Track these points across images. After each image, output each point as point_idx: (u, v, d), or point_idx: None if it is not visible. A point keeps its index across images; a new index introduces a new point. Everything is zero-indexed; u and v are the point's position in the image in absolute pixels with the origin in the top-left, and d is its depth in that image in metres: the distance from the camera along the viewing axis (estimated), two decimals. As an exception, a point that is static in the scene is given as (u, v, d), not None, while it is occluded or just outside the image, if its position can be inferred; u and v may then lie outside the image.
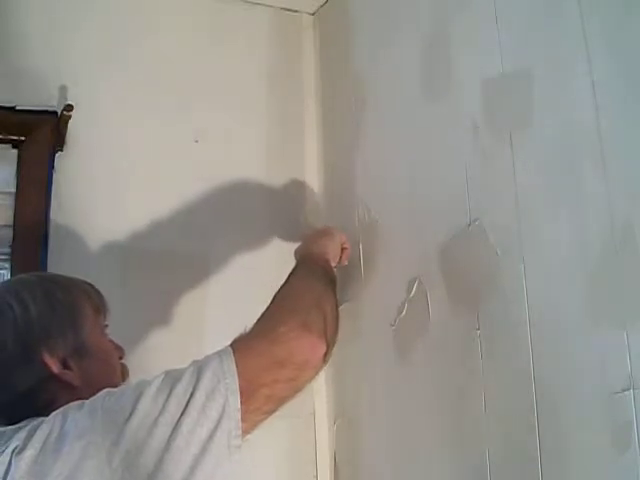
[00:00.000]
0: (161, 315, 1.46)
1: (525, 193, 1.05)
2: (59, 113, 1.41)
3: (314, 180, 1.67)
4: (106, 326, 1.05)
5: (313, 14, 1.76)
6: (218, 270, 1.53)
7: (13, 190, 1.41)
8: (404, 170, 1.35)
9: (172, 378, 0.85)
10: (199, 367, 0.86)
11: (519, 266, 1.04)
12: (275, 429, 1.49)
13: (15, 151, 1.44)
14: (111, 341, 1.05)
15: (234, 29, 1.66)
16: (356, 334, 1.46)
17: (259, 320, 0.99)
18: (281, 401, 0.91)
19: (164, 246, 1.49)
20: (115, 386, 0.98)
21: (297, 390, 0.94)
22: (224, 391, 0.84)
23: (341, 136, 1.59)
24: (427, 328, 1.24)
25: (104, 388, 0.89)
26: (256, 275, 1.55)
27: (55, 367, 0.93)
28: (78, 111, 1.40)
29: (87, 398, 0.88)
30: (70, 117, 1.39)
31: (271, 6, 1.71)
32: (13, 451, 0.79)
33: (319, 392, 1.56)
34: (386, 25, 1.44)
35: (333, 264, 1.29)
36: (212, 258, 1.53)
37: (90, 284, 1.05)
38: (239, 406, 0.84)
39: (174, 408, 0.81)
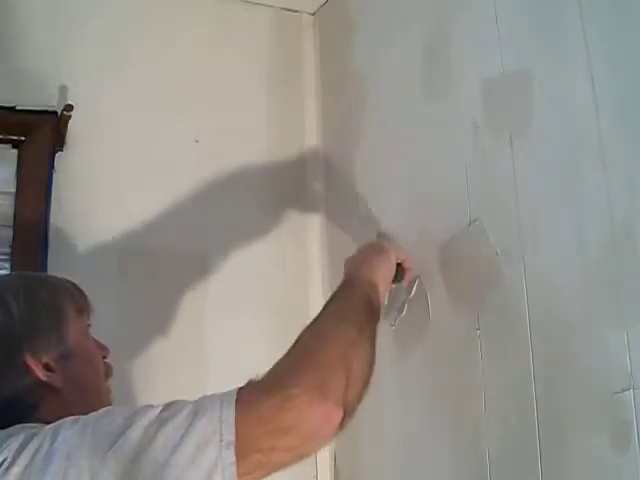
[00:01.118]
0: (160, 315, 1.45)
1: (525, 193, 1.05)
2: (59, 113, 1.41)
3: (315, 180, 1.67)
4: (89, 326, 1.03)
5: (313, 14, 1.76)
6: (218, 270, 1.53)
7: (13, 190, 1.41)
8: (404, 170, 1.35)
9: (168, 413, 0.78)
10: (197, 409, 0.78)
11: (519, 266, 1.04)
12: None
13: (15, 151, 1.44)
14: (95, 341, 1.03)
15: (234, 29, 1.66)
16: (356, 334, 1.46)
17: (276, 367, 0.86)
18: (276, 469, 0.81)
19: (164, 246, 1.48)
20: (100, 386, 0.99)
21: (299, 459, 0.84)
22: (218, 443, 0.76)
23: (341, 136, 1.59)
24: (427, 328, 1.24)
25: (89, 389, 0.89)
26: (256, 275, 1.56)
27: (38, 370, 0.91)
28: (78, 111, 1.40)
29: (72, 400, 0.88)
30: (70, 117, 1.39)
31: (271, 6, 1.71)
32: (2, 464, 0.77)
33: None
34: (386, 25, 1.44)
35: (383, 288, 1.13)
36: (212, 258, 1.53)
37: (73, 283, 1.03)
38: (234, 460, 0.75)
39: (161, 449, 0.75)
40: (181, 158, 1.54)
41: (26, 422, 0.86)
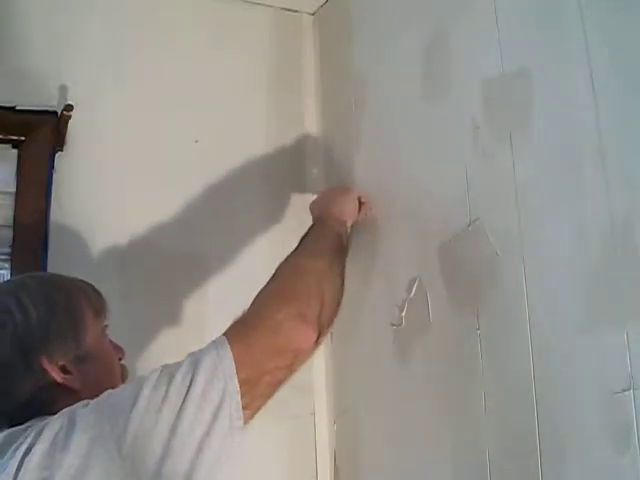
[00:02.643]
0: (161, 314, 1.46)
1: (525, 193, 1.05)
2: (59, 113, 1.41)
3: (315, 180, 1.67)
4: (106, 326, 1.05)
5: (313, 14, 1.76)
6: (218, 270, 1.53)
7: (13, 190, 1.41)
8: (404, 170, 1.35)
9: (170, 369, 0.87)
10: (196, 357, 0.88)
11: (519, 266, 1.04)
12: (275, 429, 1.50)
13: (15, 151, 1.44)
14: (111, 342, 1.05)
15: (234, 29, 1.66)
16: (356, 334, 1.46)
17: (257, 301, 1.02)
18: (279, 385, 0.95)
19: (164, 246, 1.48)
20: (115, 387, 1.00)
21: (293, 373, 0.98)
22: (222, 375, 0.86)
23: (341, 136, 1.59)
24: (427, 328, 1.24)
25: (105, 390, 0.89)
26: (256, 275, 1.55)
27: (55, 373, 0.93)
28: (78, 111, 1.40)
29: (86, 399, 0.88)
30: (70, 117, 1.39)
31: (271, 6, 1.71)
32: (24, 453, 0.80)
33: (319, 392, 1.56)
34: (386, 25, 1.44)
35: (350, 223, 1.32)
36: (212, 258, 1.53)
37: (90, 284, 1.05)
38: (238, 388, 0.87)
39: (175, 396, 0.83)
40: (181, 158, 1.54)
41: (44, 417, 0.88)
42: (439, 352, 1.21)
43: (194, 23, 1.62)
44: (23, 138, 1.43)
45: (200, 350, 0.90)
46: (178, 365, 0.88)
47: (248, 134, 1.62)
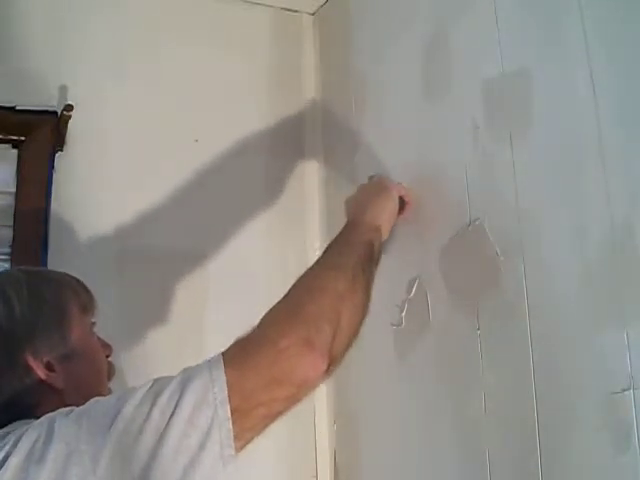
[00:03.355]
0: (160, 314, 1.45)
1: (525, 193, 1.05)
2: (59, 113, 1.41)
3: (315, 179, 1.67)
4: (93, 324, 1.02)
5: (313, 14, 1.76)
6: (218, 269, 1.53)
7: (13, 190, 1.41)
8: (404, 170, 1.35)
9: (158, 386, 0.81)
10: (187, 376, 0.81)
11: (519, 266, 1.04)
12: (275, 429, 1.50)
13: (15, 151, 1.44)
14: (99, 339, 1.02)
15: (234, 29, 1.66)
16: (356, 334, 1.46)
17: (263, 321, 0.91)
18: (277, 417, 0.86)
19: (164, 246, 1.49)
20: (102, 386, 0.98)
21: (294, 405, 0.88)
22: (212, 401, 0.79)
23: (341, 136, 1.59)
24: (427, 328, 1.24)
25: (90, 389, 0.88)
26: (256, 275, 1.56)
27: (39, 370, 0.90)
28: (78, 111, 1.40)
29: (73, 400, 0.87)
30: (70, 117, 1.39)
31: (271, 6, 1.71)
32: (4, 460, 0.77)
33: (319, 392, 1.56)
34: (386, 25, 1.44)
35: (388, 226, 1.18)
36: (212, 258, 1.53)
37: (78, 280, 1.02)
38: (229, 415, 0.79)
39: (159, 417, 0.77)
40: (181, 158, 1.54)
41: (26, 420, 0.85)
42: (439, 352, 1.21)
43: (194, 23, 1.62)
44: (23, 138, 1.43)
45: (193, 368, 0.83)
46: (167, 383, 0.81)
47: (248, 134, 1.62)
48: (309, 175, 1.67)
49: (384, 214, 1.17)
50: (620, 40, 0.91)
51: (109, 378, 1.01)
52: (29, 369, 0.90)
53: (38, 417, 0.84)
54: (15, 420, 0.86)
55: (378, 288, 1.39)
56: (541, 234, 1.01)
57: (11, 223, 1.39)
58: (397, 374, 1.31)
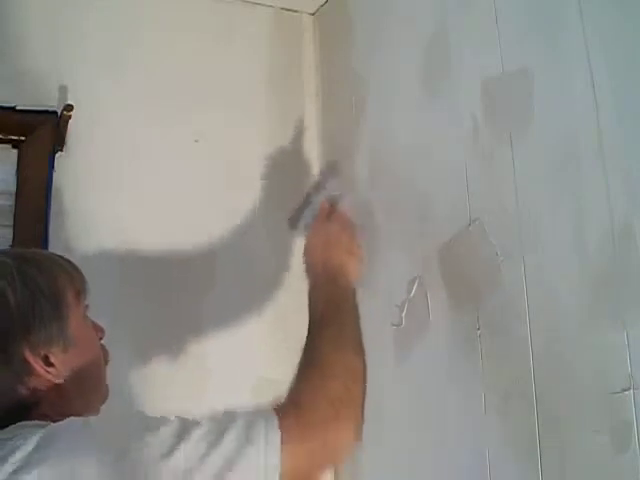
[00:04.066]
0: (160, 315, 1.45)
1: (525, 193, 1.05)
2: (59, 113, 1.41)
3: (315, 179, 1.67)
4: (87, 307, 0.98)
5: (313, 14, 1.76)
6: (219, 269, 1.53)
7: (13, 190, 1.41)
8: (404, 170, 1.35)
9: (219, 426, 0.80)
10: (247, 426, 0.81)
11: (519, 266, 1.04)
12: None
13: (15, 151, 1.44)
14: (92, 323, 0.98)
15: (234, 29, 1.66)
16: (356, 334, 1.46)
17: (307, 399, 0.89)
18: None
19: (164, 246, 1.48)
20: (100, 374, 0.95)
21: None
22: (263, 467, 0.79)
23: (341, 136, 1.59)
24: (427, 328, 1.24)
25: (90, 380, 0.88)
26: (257, 278, 1.55)
27: (38, 366, 0.86)
28: (78, 111, 1.40)
29: (72, 392, 0.86)
30: (70, 117, 1.40)
31: (271, 6, 1.71)
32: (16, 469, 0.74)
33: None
34: (386, 25, 1.44)
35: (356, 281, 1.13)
36: (213, 258, 1.53)
37: (69, 261, 0.97)
38: (279, 469, 0.79)
39: (218, 459, 0.77)
40: (181, 158, 1.54)
41: (28, 419, 0.84)
42: (439, 352, 1.21)
43: (194, 23, 1.62)
44: (23, 138, 1.43)
45: (250, 418, 0.82)
46: (225, 426, 0.80)
47: (248, 134, 1.62)
48: (310, 175, 1.67)
49: (352, 270, 1.12)
50: (620, 40, 0.91)
51: (105, 363, 0.98)
52: (28, 365, 0.86)
53: (39, 415, 0.84)
54: (16, 419, 0.83)
55: (378, 288, 1.40)
56: (541, 234, 1.01)
57: (11, 223, 1.39)
58: (397, 374, 1.31)
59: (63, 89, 1.45)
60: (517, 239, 1.05)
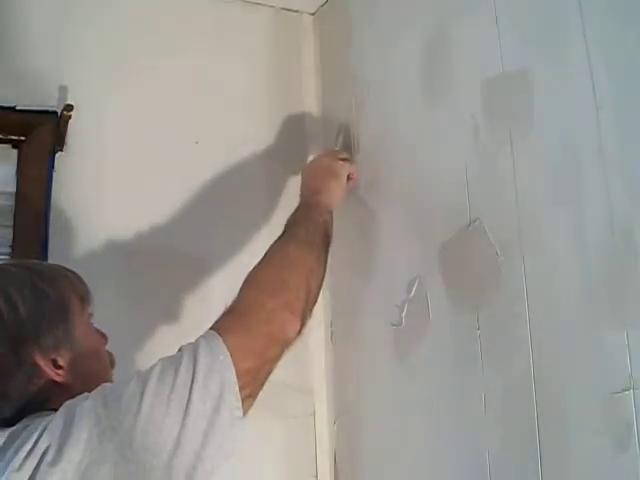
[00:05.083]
0: (162, 315, 1.45)
1: (525, 193, 1.05)
2: (59, 113, 1.41)
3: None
4: (91, 315, 1.04)
5: (313, 14, 1.76)
6: (220, 269, 1.53)
7: (13, 190, 1.41)
8: (404, 170, 1.35)
9: (173, 362, 0.88)
10: (194, 350, 0.89)
11: (519, 266, 1.04)
12: (275, 429, 1.50)
13: (15, 151, 1.44)
14: (97, 330, 1.04)
15: (234, 29, 1.66)
16: (356, 334, 1.46)
17: (247, 290, 1.03)
18: (268, 378, 0.96)
19: (164, 246, 1.48)
20: (107, 376, 1.01)
21: (276, 366, 0.99)
22: (220, 367, 0.87)
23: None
24: (427, 328, 1.24)
25: (97, 381, 0.90)
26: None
27: (48, 369, 0.92)
28: (78, 111, 1.40)
29: (79, 392, 0.88)
30: (70, 117, 1.39)
31: (271, 6, 1.71)
32: (28, 453, 0.80)
33: (319, 392, 1.56)
34: (386, 25, 1.44)
35: (336, 208, 1.32)
36: (213, 258, 1.53)
37: (73, 272, 1.04)
38: (235, 379, 0.88)
39: (182, 388, 0.84)
40: (181, 158, 1.54)
41: (39, 412, 0.88)
42: (439, 352, 1.21)
43: (194, 23, 1.62)
44: (23, 138, 1.43)
45: (192, 344, 0.91)
46: (179, 358, 0.88)
47: (248, 134, 1.62)
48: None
49: (335, 199, 1.33)
50: (620, 40, 0.91)
51: (112, 367, 1.04)
52: (38, 368, 0.92)
53: (50, 410, 0.87)
54: (27, 415, 0.88)
55: (378, 288, 1.40)
56: (541, 234, 1.01)
57: (11, 223, 1.39)
58: (397, 374, 1.31)
59: (63, 89, 1.45)
60: (517, 239, 1.05)
